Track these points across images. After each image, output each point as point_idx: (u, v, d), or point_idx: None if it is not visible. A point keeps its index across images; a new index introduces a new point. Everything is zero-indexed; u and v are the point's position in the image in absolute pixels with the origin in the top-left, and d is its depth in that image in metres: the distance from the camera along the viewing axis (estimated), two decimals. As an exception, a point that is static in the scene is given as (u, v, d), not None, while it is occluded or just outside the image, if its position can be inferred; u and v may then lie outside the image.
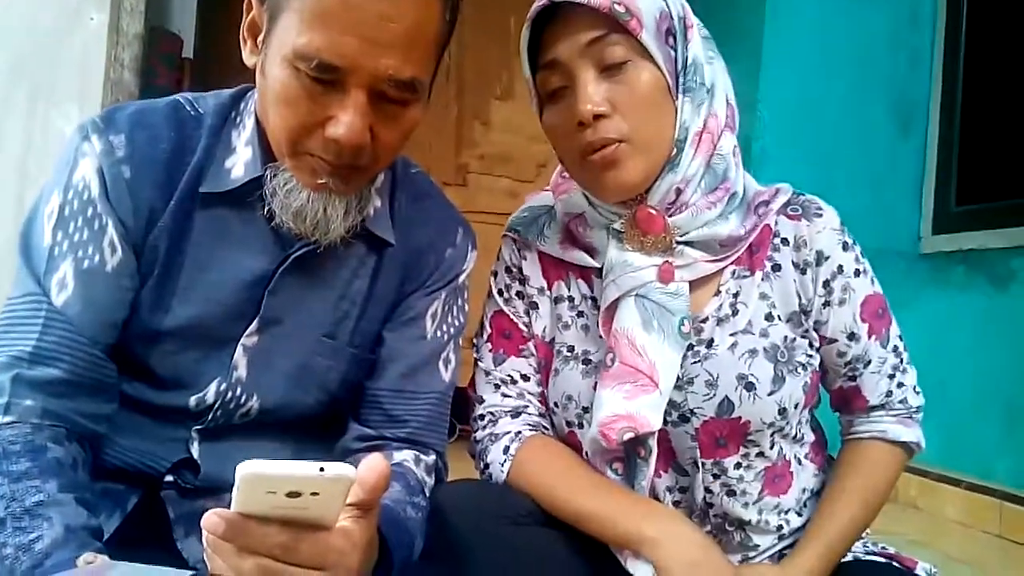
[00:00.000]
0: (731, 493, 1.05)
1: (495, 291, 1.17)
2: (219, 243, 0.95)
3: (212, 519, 0.64)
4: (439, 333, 1.07)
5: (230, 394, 0.98)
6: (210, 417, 0.98)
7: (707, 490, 1.05)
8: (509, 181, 3.74)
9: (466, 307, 1.12)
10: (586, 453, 1.09)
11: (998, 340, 2.35)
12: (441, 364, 1.07)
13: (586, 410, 1.08)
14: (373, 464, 0.68)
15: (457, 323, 1.10)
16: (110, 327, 0.92)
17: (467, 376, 1.17)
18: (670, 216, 1.03)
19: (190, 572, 0.69)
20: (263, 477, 0.61)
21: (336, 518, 0.67)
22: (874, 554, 1.09)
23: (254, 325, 0.97)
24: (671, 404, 1.02)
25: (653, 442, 1.02)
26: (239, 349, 0.97)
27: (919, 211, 2.77)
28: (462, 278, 1.10)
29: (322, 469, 0.61)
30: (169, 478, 0.98)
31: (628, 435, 1.01)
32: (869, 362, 1.08)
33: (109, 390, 0.93)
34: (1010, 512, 2.15)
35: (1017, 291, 2.34)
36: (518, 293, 1.15)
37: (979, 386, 2.38)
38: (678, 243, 1.03)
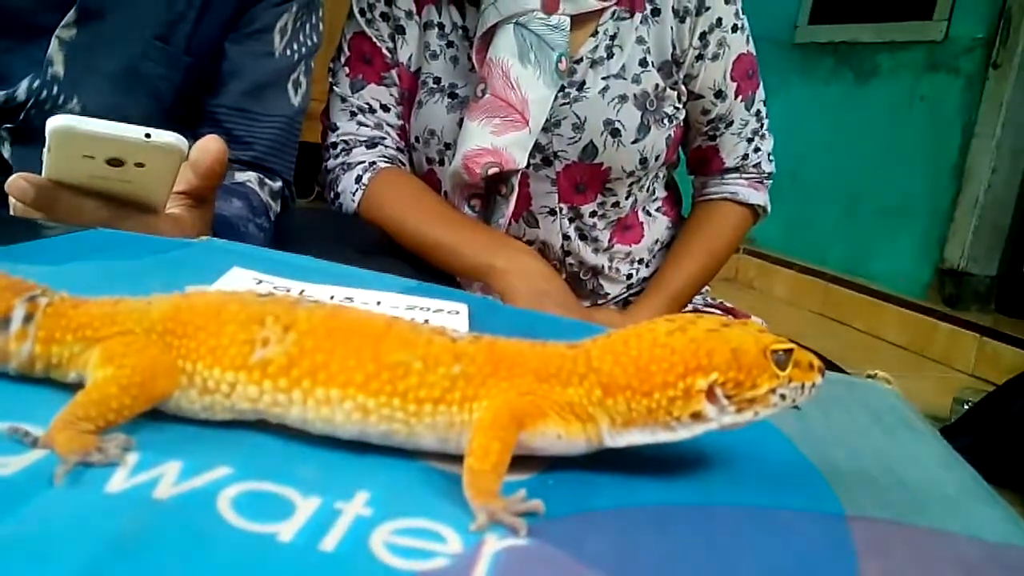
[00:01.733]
0: (583, 238, 1.06)
1: (356, 10, 1.06)
2: None
3: (19, 183, 0.56)
4: (289, 52, 0.98)
5: (45, 92, 0.87)
6: (22, 117, 0.87)
7: (564, 236, 1.06)
8: None
9: (320, 26, 1.01)
10: (444, 191, 1.06)
11: (851, 133, 2.45)
12: (290, 86, 0.99)
13: (448, 146, 1.04)
14: (207, 146, 0.61)
15: (310, 42, 1.00)
16: None
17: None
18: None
19: None
20: (78, 134, 0.53)
21: (164, 201, 0.61)
22: (712, 306, 1.15)
23: (71, 15, 0.85)
24: (536, 146, 1.00)
25: (516, 180, 1.00)
26: (54, 42, 0.86)
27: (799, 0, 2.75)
28: None
29: (148, 135, 0.54)
30: (-23, 182, 0.88)
31: (493, 170, 0.98)
32: (731, 123, 1.08)
33: None
34: (835, 293, 2.36)
35: (877, 86, 2.41)
36: (383, 15, 1.05)
37: (825, 176, 2.51)
38: (565, -30, 0.96)
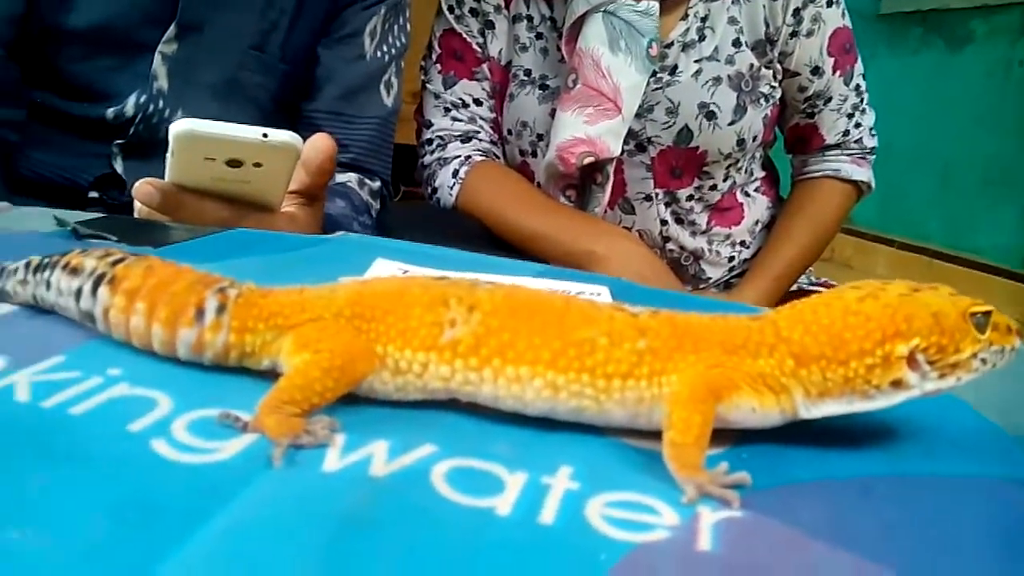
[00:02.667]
0: (680, 222, 1.05)
1: (444, 8, 1.07)
2: None
3: (146, 188, 0.58)
4: (379, 54, 0.99)
5: (151, 107, 0.91)
6: (132, 132, 0.91)
7: (662, 221, 1.05)
8: None
9: (408, 26, 1.03)
10: (538, 182, 1.06)
11: (944, 104, 2.36)
12: (382, 87, 1.00)
13: (540, 137, 1.04)
14: (317, 144, 0.63)
15: (399, 43, 1.02)
16: (4, 22, 0.82)
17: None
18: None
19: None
20: (201, 137, 0.54)
21: (281, 199, 0.62)
22: (818, 285, 1.12)
23: (171, 31, 0.88)
24: (629, 133, 0.99)
25: (611, 169, 1.00)
26: (157, 58, 0.89)
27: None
28: None
29: (265, 135, 0.55)
30: (94, 194, 0.92)
31: (588, 159, 0.98)
32: (830, 99, 1.06)
33: (13, 93, 0.84)
34: (939, 268, 2.27)
35: (972, 53, 2.31)
36: (472, 10, 1.06)
37: (920, 149, 2.42)
38: (653, -45, 0.95)
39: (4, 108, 0.84)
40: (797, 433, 0.31)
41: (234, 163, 0.57)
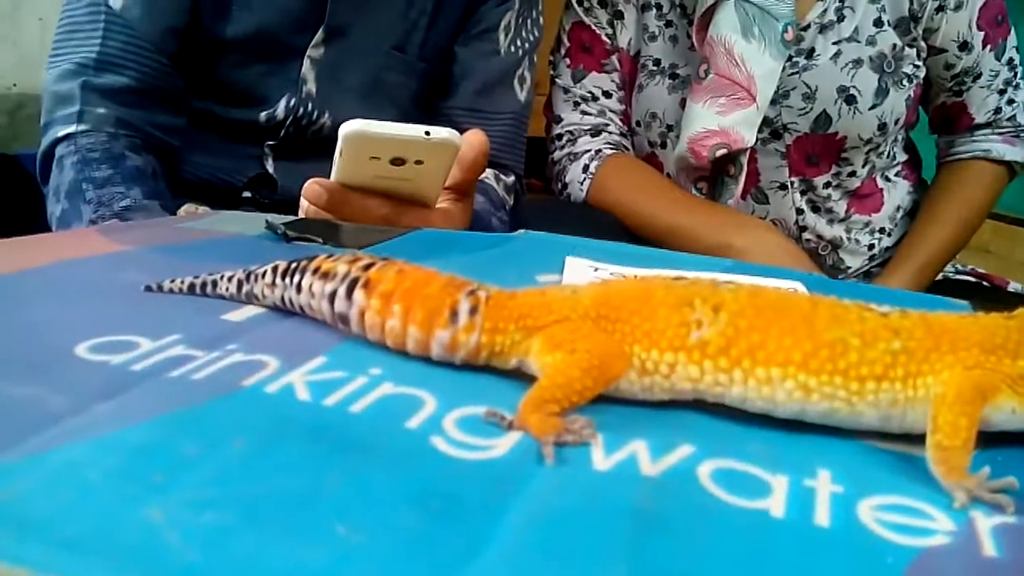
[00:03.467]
0: (816, 210, 1.03)
1: (574, 1, 1.08)
2: None
3: (314, 188, 0.61)
4: (513, 48, 1.00)
5: (301, 110, 0.95)
6: (282, 134, 0.95)
7: (798, 210, 1.02)
8: None
9: (541, 20, 1.03)
10: (668, 174, 1.05)
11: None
12: (516, 82, 1.01)
13: (671, 128, 1.04)
14: (471, 141, 0.64)
15: (532, 37, 1.02)
16: (170, 34, 0.87)
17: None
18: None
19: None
20: (368, 137, 0.57)
21: (438, 194, 0.65)
22: (964, 274, 1.08)
23: (319, 35, 0.92)
24: (763, 120, 0.97)
25: (744, 159, 0.98)
26: (306, 62, 0.93)
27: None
28: None
29: (427, 132, 0.57)
30: (247, 194, 0.97)
31: (721, 152, 0.97)
32: (979, 75, 1.01)
33: (178, 101, 0.90)
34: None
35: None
36: (600, 2, 1.06)
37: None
38: (789, -66, 0.93)
39: (170, 115, 0.89)
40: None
41: (397, 161, 0.59)
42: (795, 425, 0.31)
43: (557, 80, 1.09)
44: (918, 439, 0.29)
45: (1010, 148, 1.03)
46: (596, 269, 0.47)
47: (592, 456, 0.28)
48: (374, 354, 0.34)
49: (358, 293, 0.33)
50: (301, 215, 0.65)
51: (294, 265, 0.36)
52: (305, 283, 0.35)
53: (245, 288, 0.37)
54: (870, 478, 0.28)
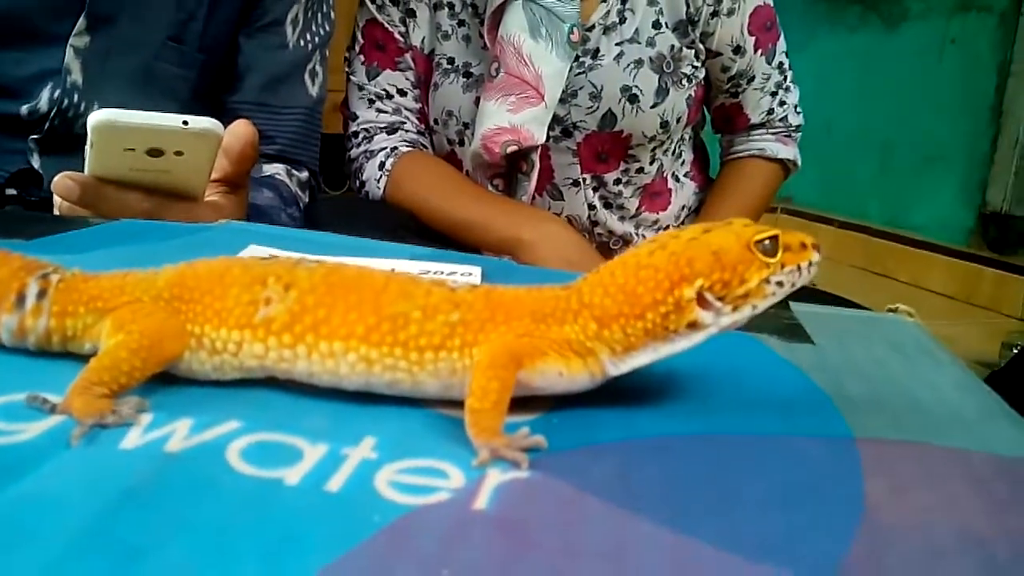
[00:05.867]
0: (608, 206, 1.06)
1: (367, -3, 1.07)
2: None
3: (65, 182, 0.58)
4: (302, 42, 0.99)
5: (66, 101, 0.89)
6: (47, 127, 0.90)
7: (590, 206, 1.06)
8: None
9: (332, 14, 1.02)
10: (467, 171, 1.07)
11: (882, 82, 2.39)
12: (307, 77, 1.00)
13: (467, 126, 1.05)
14: (238, 131, 0.63)
15: (323, 31, 1.01)
16: None
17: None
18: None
19: None
20: (119, 127, 0.54)
21: (203, 187, 0.62)
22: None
23: (82, 22, 0.87)
24: (554, 119, 1.00)
25: (536, 156, 1.01)
26: (69, 51, 0.87)
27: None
28: None
29: (185, 122, 0.55)
30: (12, 191, 0.91)
31: (512, 148, 0.98)
32: (752, 78, 1.07)
33: None
34: (877, 246, 2.31)
35: (907, 31, 2.34)
36: (392, 0, 1.06)
37: (859, 128, 2.45)
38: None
39: None
40: (611, 398, 0.32)
41: (155, 152, 0.57)
42: (368, 397, 0.31)
43: (352, 77, 1.09)
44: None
45: (783, 147, 1.10)
46: (274, 256, 0.47)
47: (127, 436, 0.28)
48: (-55, 344, 0.32)
49: (-73, 281, 0.32)
50: (56, 212, 0.61)
51: None
52: None
53: None
54: (413, 444, 0.29)
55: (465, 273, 0.47)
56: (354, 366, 0.30)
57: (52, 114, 0.89)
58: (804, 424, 0.33)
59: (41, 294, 0.31)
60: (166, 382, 0.31)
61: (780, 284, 0.31)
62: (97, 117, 0.55)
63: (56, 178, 0.60)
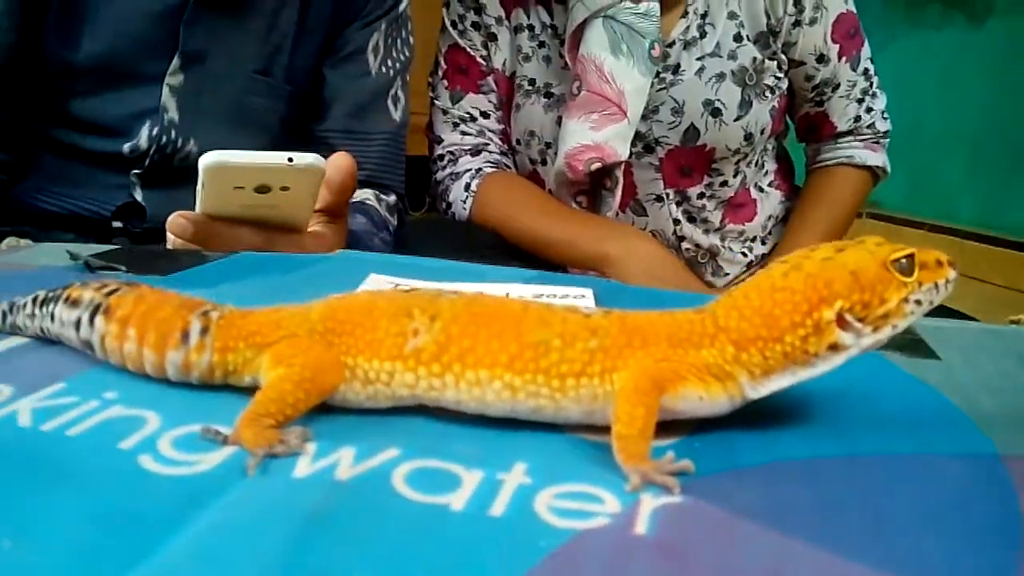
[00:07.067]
0: (692, 220, 1.06)
1: (448, 22, 1.10)
2: None
3: (179, 222, 0.61)
4: (384, 69, 1.02)
5: (164, 138, 0.94)
6: (148, 162, 0.94)
7: (674, 220, 1.06)
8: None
9: (411, 39, 1.05)
10: (550, 189, 1.08)
11: (968, 80, 2.32)
12: (390, 102, 1.03)
13: (549, 145, 1.06)
14: (338, 163, 0.65)
15: (403, 57, 1.04)
16: None
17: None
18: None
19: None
20: (229, 167, 0.57)
21: (307, 219, 0.65)
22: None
23: (176, 61, 0.91)
24: (636, 135, 1.00)
25: (620, 172, 1.01)
26: (165, 90, 0.92)
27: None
28: (403, 6, 1.02)
29: (291, 159, 0.58)
30: (117, 224, 0.96)
31: (595, 165, 0.99)
32: (838, 86, 1.06)
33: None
34: (971, 249, 2.23)
35: (993, 26, 2.27)
36: (474, 24, 1.09)
37: (947, 128, 2.38)
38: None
39: None
40: (751, 421, 0.33)
41: (262, 189, 0.59)
42: (512, 423, 0.33)
43: (436, 102, 1.11)
44: (623, 431, 0.31)
45: (872, 153, 1.08)
46: (396, 285, 0.49)
47: (297, 465, 0.29)
48: (118, 378, 0.35)
49: (99, 319, 0.34)
50: (169, 247, 0.65)
51: (50, 294, 0.37)
52: (57, 312, 0.36)
53: (9, 319, 0.38)
54: (562, 468, 0.30)
55: (578, 295, 0.48)
56: (499, 393, 0.32)
57: (152, 151, 0.94)
58: (944, 442, 0.33)
59: (203, 331, 0.33)
60: (322, 411, 0.33)
61: (919, 303, 0.31)
62: (208, 159, 0.57)
63: (171, 217, 0.63)
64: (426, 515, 0.27)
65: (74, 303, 0.35)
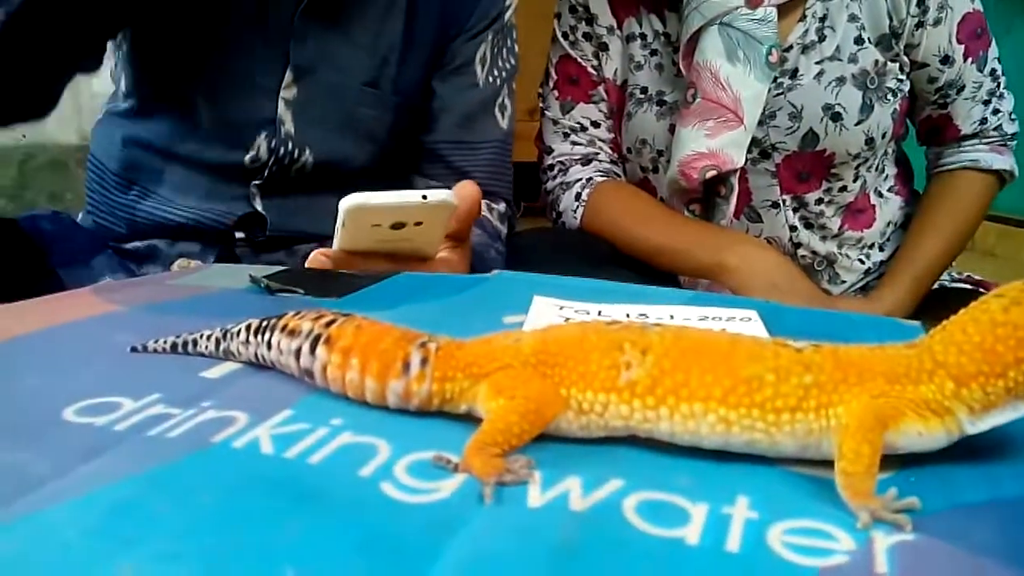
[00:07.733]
0: (809, 227, 1.05)
1: (559, 34, 1.11)
2: None
3: (319, 258, 0.66)
4: (491, 79, 1.03)
5: (282, 149, 0.98)
6: (267, 173, 0.98)
7: (791, 227, 1.04)
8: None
9: (516, 48, 1.07)
10: (662, 197, 1.08)
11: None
12: (497, 111, 1.05)
13: (661, 154, 1.06)
14: (465, 192, 0.68)
15: (509, 66, 1.05)
16: None
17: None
18: (757, -70, 0.94)
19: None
20: (368, 208, 0.60)
21: (437, 248, 0.68)
22: (960, 282, 1.09)
23: (289, 75, 0.94)
24: (752, 141, 1.00)
25: (735, 179, 1.00)
26: (281, 103, 0.96)
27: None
28: (507, 15, 1.04)
29: (424, 197, 0.60)
30: (240, 234, 1.00)
31: (711, 173, 0.99)
32: (963, 88, 1.03)
33: None
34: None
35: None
36: (585, 35, 1.09)
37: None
38: (765, -39, 0.95)
39: None
40: (962, 453, 0.33)
41: (397, 225, 0.63)
42: (722, 455, 0.33)
43: (547, 112, 1.12)
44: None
45: (998, 157, 1.05)
46: (561, 307, 0.50)
47: (528, 494, 0.31)
48: (337, 405, 0.37)
49: (320, 349, 0.37)
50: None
51: (265, 323, 0.39)
52: (274, 340, 0.38)
53: (222, 346, 0.41)
54: (785, 503, 0.30)
55: (744, 318, 0.48)
56: (714, 427, 0.32)
57: (271, 162, 0.98)
58: None
59: (423, 361, 0.35)
60: (535, 441, 0.34)
61: None
62: (348, 202, 0.61)
63: (312, 255, 0.67)
64: (664, 549, 0.28)
65: (292, 332, 0.38)
